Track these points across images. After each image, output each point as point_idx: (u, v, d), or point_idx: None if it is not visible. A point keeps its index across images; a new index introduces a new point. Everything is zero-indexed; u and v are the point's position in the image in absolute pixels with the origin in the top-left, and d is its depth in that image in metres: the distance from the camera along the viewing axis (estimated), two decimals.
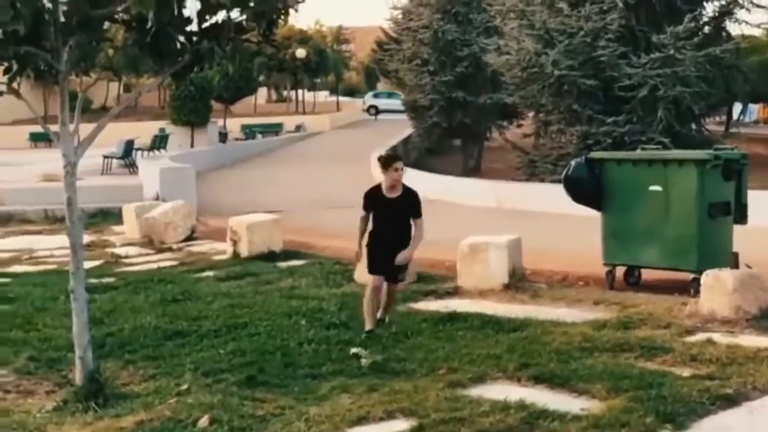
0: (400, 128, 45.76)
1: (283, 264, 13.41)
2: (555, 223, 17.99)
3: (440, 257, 12.92)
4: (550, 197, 19.00)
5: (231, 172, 34.49)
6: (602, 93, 25.04)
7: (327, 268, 12.81)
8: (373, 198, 8.77)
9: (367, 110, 74.53)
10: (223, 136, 48.88)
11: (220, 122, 50.82)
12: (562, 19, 25.44)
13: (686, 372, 7.16)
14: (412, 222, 8.78)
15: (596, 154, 12.82)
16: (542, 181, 25.04)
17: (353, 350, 8.06)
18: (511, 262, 11.14)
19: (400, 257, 8.71)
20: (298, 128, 59.15)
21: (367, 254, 8.85)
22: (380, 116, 69.08)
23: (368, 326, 8.76)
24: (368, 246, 8.82)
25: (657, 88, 24.13)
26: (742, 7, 27.67)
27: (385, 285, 8.86)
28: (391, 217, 8.70)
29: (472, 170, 36.71)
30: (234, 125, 54.62)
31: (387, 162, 8.75)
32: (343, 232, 17.47)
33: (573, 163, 12.32)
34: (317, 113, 68.61)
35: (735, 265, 10.26)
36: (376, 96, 77.08)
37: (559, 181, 13.42)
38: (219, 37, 6.90)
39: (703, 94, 25.42)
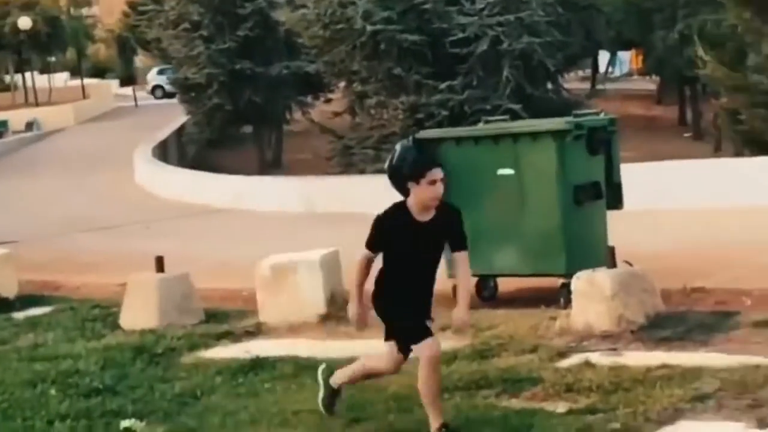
0: (173, 115, 45.30)
1: (19, 314, 13.04)
2: None
3: (234, 285, 12.88)
4: (374, 193, 18.96)
5: None
6: (431, 51, 25.52)
7: (82, 314, 12.55)
8: (395, 223, 6.93)
9: (152, 92, 73.49)
10: None
11: None
12: None
13: (561, 407, 7.35)
14: (452, 256, 7.18)
15: (427, 133, 13.07)
16: (362, 172, 25.32)
17: (124, 423, 7.90)
18: (329, 284, 11.19)
19: (458, 318, 7.14)
20: (30, 126, 57.65)
21: (385, 312, 7.07)
22: (152, 101, 68.33)
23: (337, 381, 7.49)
24: (382, 301, 7.06)
25: (499, 41, 24.76)
26: None
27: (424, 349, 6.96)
28: (421, 254, 7.00)
29: (272, 165, 36.79)
30: None
31: (417, 169, 6.95)
32: (104, 261, 17.21)
33: (398, 146, 12.40)
34: (55, 103, 67.01)
35: (612, 263, 10.65)
36: (162, 72, 75.80)
37: (383, 171, 13.57)
38: None
39: (557, 44, 26.28)
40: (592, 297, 9.42)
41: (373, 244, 6.92)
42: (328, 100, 37.01)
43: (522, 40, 24.89)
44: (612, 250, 11.45)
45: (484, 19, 24.85)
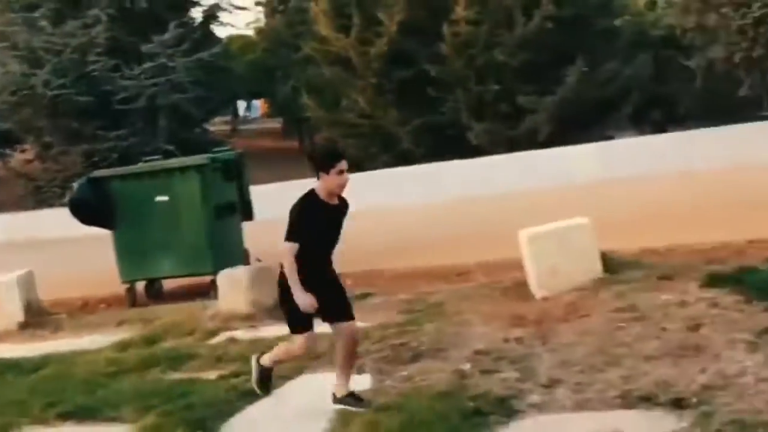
0: None
1: None
2: (72, 248, 17.55)
3: None
4: (63, 223, 18.40)
5: None
6: (101, 108, 24.94)
7: None
8: (311, 210, 5.85)
9: None
10: None
11: None
12: (47, 37, 24.95)
13: (213, 374, 7.34)
14: None
15: (101, 173, 12.76)
16: (52, 206, 24.35)
17: None
18: (25, 297, 10.71)
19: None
20: None
21: (289, 303, 5.80)
22: None
23: (268, 361, 6.35)
24: (286, 289, 5.80)
25: (155, 98, 24.54)
26: (224, 9, 29.11)
27: (346, 330, 5.99)
28: (329, 236, 5.99)
29: None
30: None
31: (326, 160, 5.88)
32: None
33: (75, 185, 12.17)
34: None
35: (247, 261, 10.75)
36: None
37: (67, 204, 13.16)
38: None
39: (201, 97, 26.33)
40: (234, 288, 9.47)
41: (297, 235, 5.71)
42: (23, 150, 35.36)
43: (172, 96, 24.86)
44: (246, 251, 11.62)
45: (141, 81, 24.61)
